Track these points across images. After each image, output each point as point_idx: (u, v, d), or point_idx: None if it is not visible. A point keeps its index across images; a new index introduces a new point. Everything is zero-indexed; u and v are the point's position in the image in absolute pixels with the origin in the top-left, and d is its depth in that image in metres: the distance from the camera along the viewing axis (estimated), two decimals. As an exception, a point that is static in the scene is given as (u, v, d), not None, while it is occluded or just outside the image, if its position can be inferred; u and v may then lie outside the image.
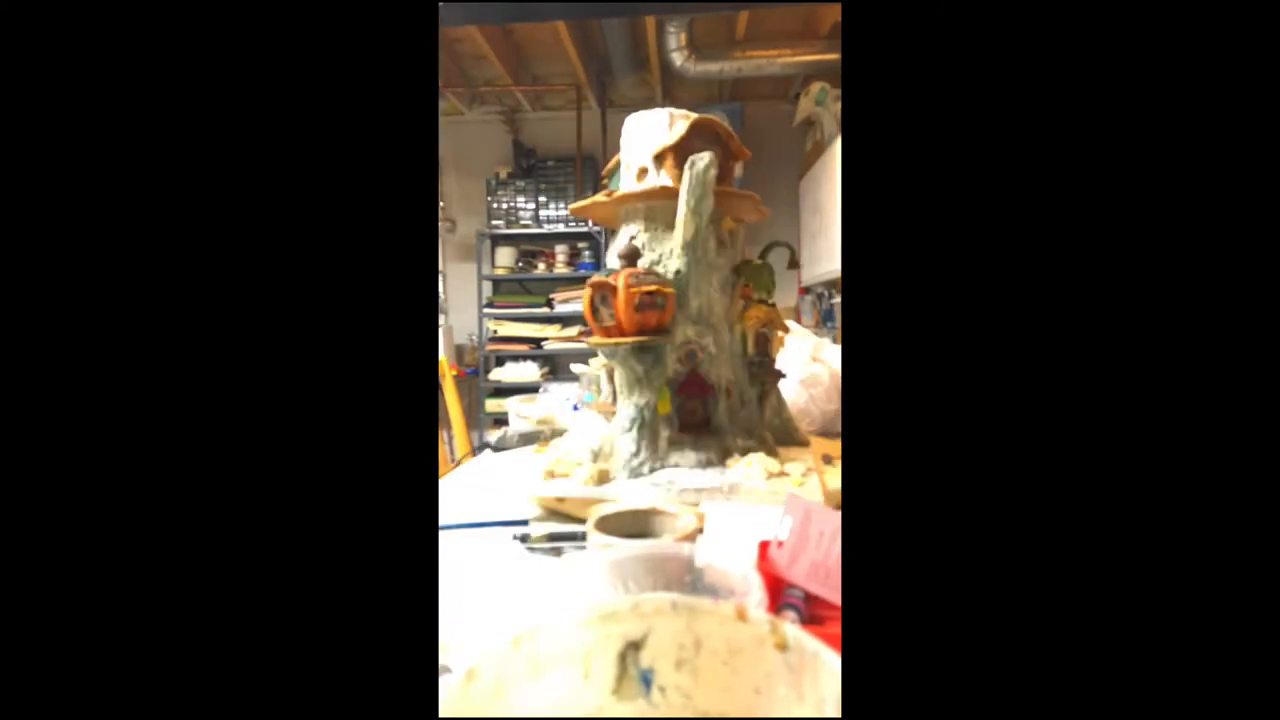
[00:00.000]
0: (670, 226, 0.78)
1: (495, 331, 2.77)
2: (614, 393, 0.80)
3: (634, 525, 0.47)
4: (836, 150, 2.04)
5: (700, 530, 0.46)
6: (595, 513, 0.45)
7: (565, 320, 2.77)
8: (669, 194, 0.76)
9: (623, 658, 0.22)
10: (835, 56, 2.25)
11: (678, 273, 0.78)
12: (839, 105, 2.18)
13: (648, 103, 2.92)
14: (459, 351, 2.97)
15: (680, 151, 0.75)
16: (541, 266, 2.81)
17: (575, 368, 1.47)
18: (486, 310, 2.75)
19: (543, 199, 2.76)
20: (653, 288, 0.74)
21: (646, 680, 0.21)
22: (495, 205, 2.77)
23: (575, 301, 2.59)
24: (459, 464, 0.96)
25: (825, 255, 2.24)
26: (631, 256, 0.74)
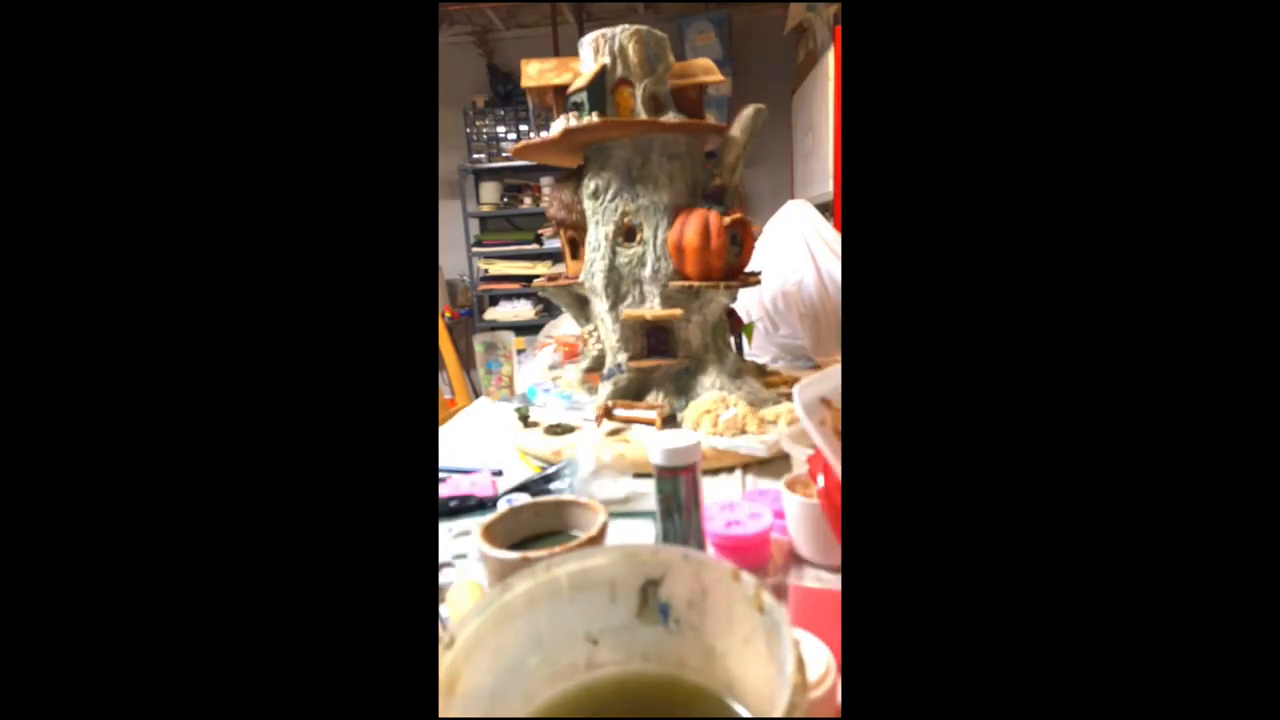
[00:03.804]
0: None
1: (486, 271, 2.74)
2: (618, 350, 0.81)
3: (534, 525, 0.43)
4: (829, 61, 1.94)
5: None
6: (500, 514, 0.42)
7: (556, 256, 2.73)
8: (711, 129, 0.76)
9: (644, 590, 0.26)
10: (828, -47, 2.08)
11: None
12: (834, 9, 2.04)
13: (629, 13, 2.71)
14: (452, 290, 2.96)
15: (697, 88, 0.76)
16: (528, 201, 2.74)
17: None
18: (475, 250, 2.71)
19: (524, 128, 2.64)
20: (757, 228, 0.77)
21: (664, 611, 0.25)
22: (475, 137, 2.65)
23: (565, 236, 2.55)
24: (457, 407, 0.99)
25: (819, 177, 2.19)
26: (717, 196, 0.75)
